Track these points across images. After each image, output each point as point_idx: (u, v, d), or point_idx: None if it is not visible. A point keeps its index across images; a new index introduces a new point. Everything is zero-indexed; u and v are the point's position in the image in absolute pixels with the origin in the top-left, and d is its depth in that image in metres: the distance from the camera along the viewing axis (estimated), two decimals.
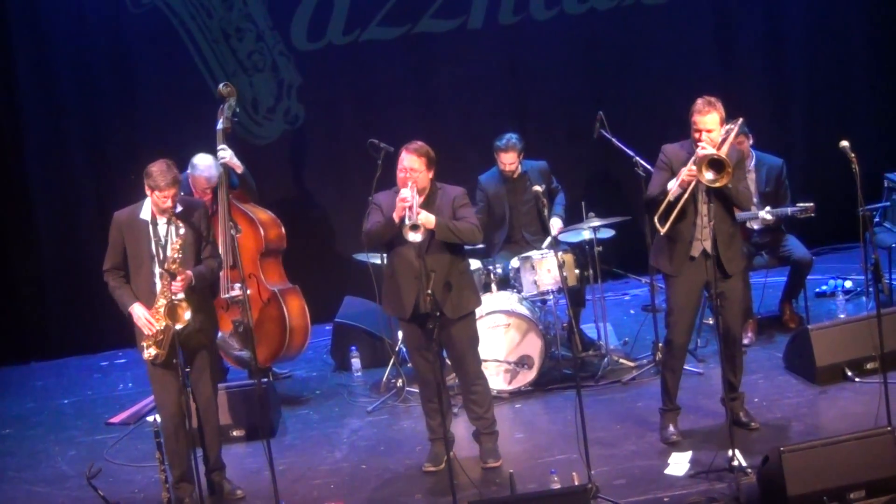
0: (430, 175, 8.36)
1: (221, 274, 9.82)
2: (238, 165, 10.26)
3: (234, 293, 9.83)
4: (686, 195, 8.09)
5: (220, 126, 10.26)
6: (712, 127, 8.11)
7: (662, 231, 8.15)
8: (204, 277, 8.23)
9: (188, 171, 10.01)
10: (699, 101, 8.18)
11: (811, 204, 9.98)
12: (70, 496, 8.90)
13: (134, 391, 10.94)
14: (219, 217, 9.96)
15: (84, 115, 12.32)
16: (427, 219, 8.12)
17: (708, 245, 8.24)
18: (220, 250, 9.49)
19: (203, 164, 10.06)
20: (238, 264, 9.57)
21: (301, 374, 11.10)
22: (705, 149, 8.00)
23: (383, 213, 8.33)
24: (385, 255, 9.07)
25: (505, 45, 12.43)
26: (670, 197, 8.10)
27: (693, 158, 8.06)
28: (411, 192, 8.12)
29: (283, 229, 10.44)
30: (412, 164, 8.26)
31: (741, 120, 8.33)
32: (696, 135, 8.14)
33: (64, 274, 12.38)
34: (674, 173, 8.22)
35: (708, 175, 7.95)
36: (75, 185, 12.39)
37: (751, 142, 10.27)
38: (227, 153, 10.16)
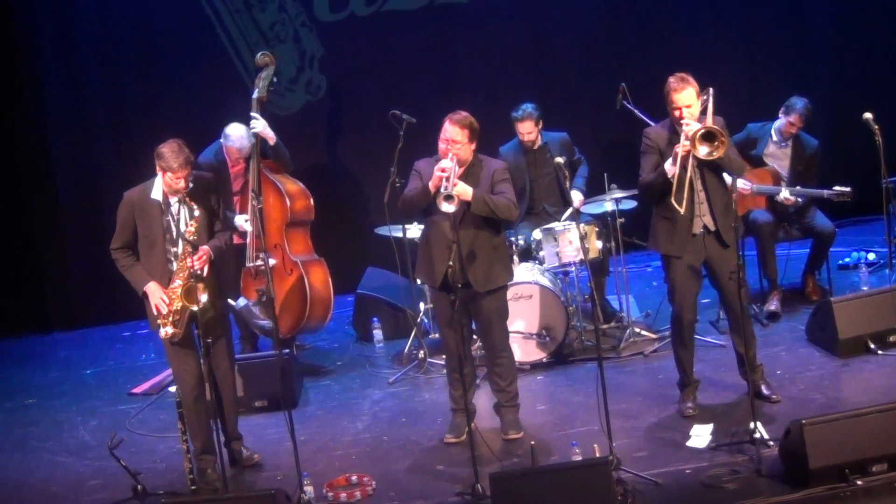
0: (473, 147, 8.23)
1: (248, 243, 9.86)
2: (271, 136, 10.19)
3: (258, 263, 9.83)
4: (689, 171, 8.01)
5: (255, 95, 10.23)
6: (690, 102, 8.04)
7: (682, 210, 8.06)
8: (221, 251, 8.20)
9: (221, 140, 10.01)
10: (672, 80, 8.09)
11: (848, 189, 9.89)
12: (92, 466, 8.92)
13: (156, 361, 10.97)
14: (249, 186, 9.97)
15: (106, 89, 12.36)
16: (463, 190, 8.00)
17: (708, 220, 8.18)
18: (249, 219, 9.61)
19: (235, 135, 10.04)
20: (260, 234, 9.58)
21: (323, 345, 11.11)
22: (689, 125, 7.95)
23: (422, 180, 8.20)
24: (406, 227, 9.03)
25: (527, 16, 12.40)
26: (670, 177, 8.03)
27: (682, 137, 7.96)
28: (451, 162, 8.01)
29: (311, 201, 10.39)
30: (454, 135, 8.11)
31: (711, 90, 8.17)
32: (676, 113, 8.07)
33: (87, 245, 12.40)
34: (661, 154, 8.17)
35: (703, 149, 7.89)
36: (98, 156, 12.42)
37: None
38: (259, 123, 10.12)
